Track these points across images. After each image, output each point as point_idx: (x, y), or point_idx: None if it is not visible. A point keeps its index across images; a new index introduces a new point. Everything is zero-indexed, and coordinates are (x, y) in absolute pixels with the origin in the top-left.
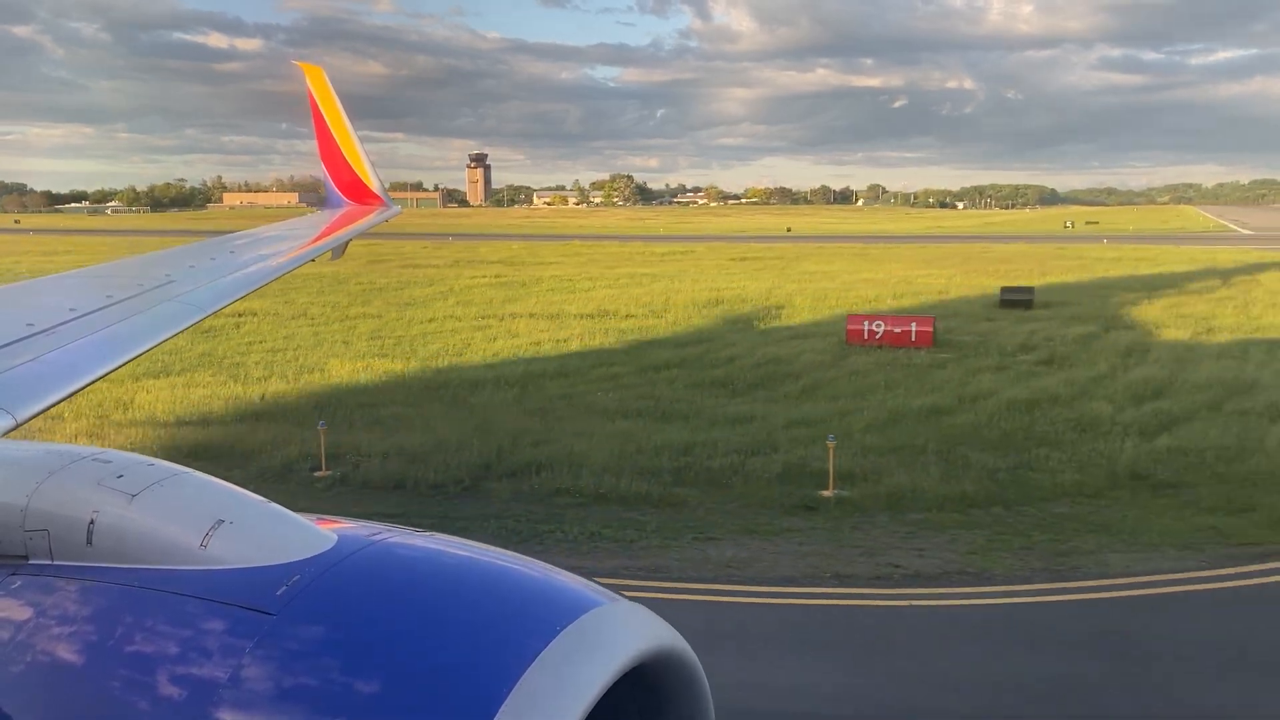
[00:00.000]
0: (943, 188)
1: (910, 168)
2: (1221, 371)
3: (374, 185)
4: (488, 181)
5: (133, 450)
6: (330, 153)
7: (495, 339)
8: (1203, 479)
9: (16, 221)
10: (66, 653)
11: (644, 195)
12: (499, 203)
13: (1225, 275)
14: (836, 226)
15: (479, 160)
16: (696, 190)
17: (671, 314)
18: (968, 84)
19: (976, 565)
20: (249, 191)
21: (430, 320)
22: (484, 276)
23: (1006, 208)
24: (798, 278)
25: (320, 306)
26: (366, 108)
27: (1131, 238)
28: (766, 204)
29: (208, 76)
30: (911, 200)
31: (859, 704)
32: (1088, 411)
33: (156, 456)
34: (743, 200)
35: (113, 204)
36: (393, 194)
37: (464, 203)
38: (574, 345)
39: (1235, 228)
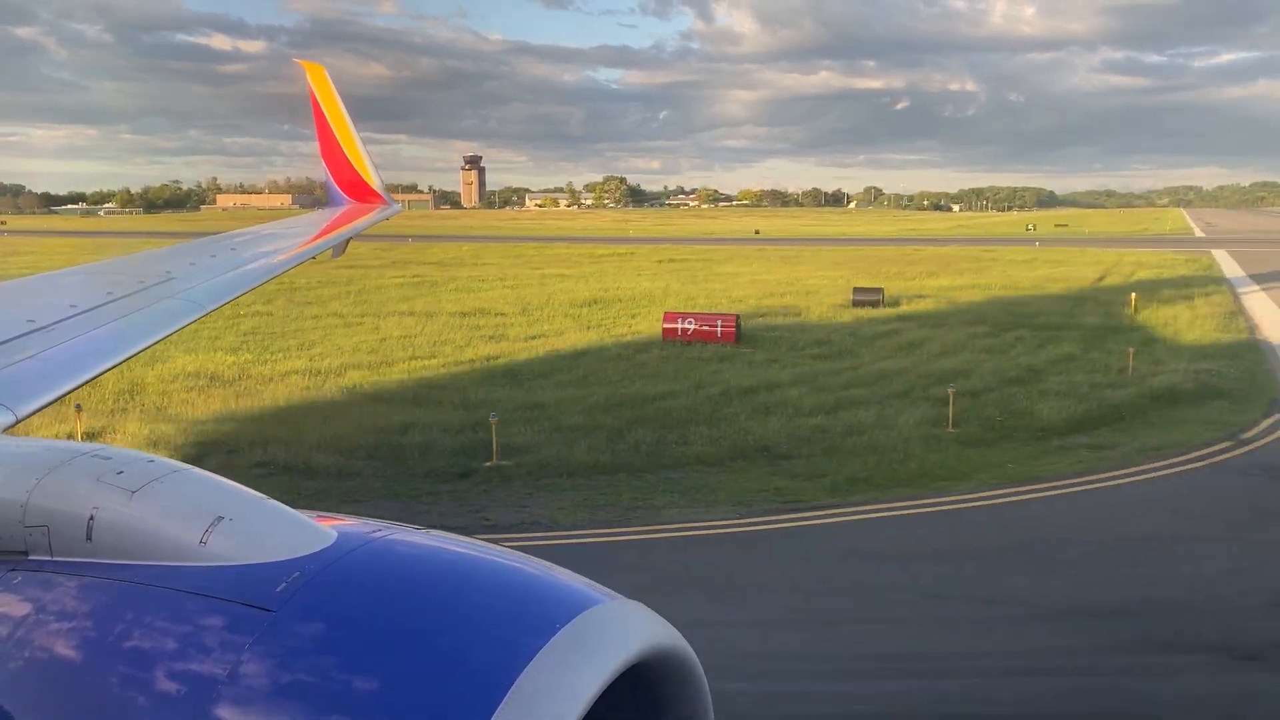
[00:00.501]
0: (942, 190)
1: (912, 170)
2: (959, 363)
3: (375, 183)
4: (482, 183)
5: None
6: (331, 151)
7: (354, 335)
8: (815, 451)
9: (2, 223)
10: (66, 649)
11: (636, 197)
12: (490, 204)
13: (1096, 280)
14: (809, 229)
15: (473, 162)
16: (688, 192)
17: (540, 313)
18: (970, 86)
19: (552, 517)
20: (243, 193)
21: (314, 318)
22: (402, 277)
23: (1003, 210)
24: (701, 279)
25: (233, 304)
26: (369, 109)
27: (1082, 240)
28: (758, 206)
29: (210, 78)
30: (903, 203)
31: None
32: (784, 397)
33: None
34: (734, 203)
35: (108, 205)
36: None
37: (457, 204)
38: (420, 340)
39: (1200, 231)
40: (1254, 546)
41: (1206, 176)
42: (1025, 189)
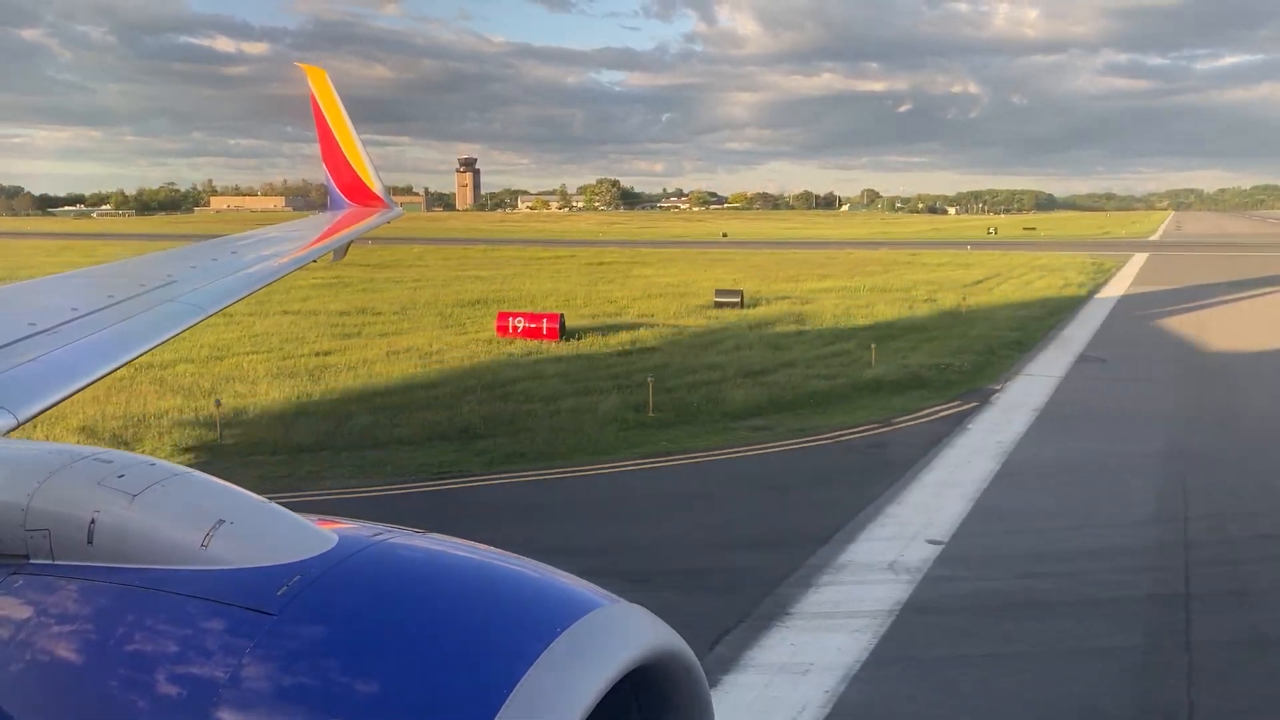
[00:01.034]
0: (943, 193)
1: (916, 172)
2: (723, 359)
3: (375, 187)
4: (476, 185)
5: None
6: (332, 154)
7: (221, 333)
8: (508, 431)
9: None
10: (67, 652)
11: (628, 200)
12: (482, 206)
13: (973, 282)
14: (781, 232)
15: (468, 165)
16: (680, 195)
17: (415, 313)
18: (973, 89)
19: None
20: (238, 195)
21: None
22: (321, 278)
23: (999, 213)
24: (605, 281)
25: None
26: (372, 111)
27: (1028, 244)
28: (749, 208)
29: (214, 80)
30: (896, 206)
31: None
32: (534, 388)
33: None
34: (725, 205)
35: (103, 208)
36: None
37: (451, 206)
38: (273, 339)
39: (1159, 235)
40: (745, 504)
41: (1210, 179)
42: (1024, 192)
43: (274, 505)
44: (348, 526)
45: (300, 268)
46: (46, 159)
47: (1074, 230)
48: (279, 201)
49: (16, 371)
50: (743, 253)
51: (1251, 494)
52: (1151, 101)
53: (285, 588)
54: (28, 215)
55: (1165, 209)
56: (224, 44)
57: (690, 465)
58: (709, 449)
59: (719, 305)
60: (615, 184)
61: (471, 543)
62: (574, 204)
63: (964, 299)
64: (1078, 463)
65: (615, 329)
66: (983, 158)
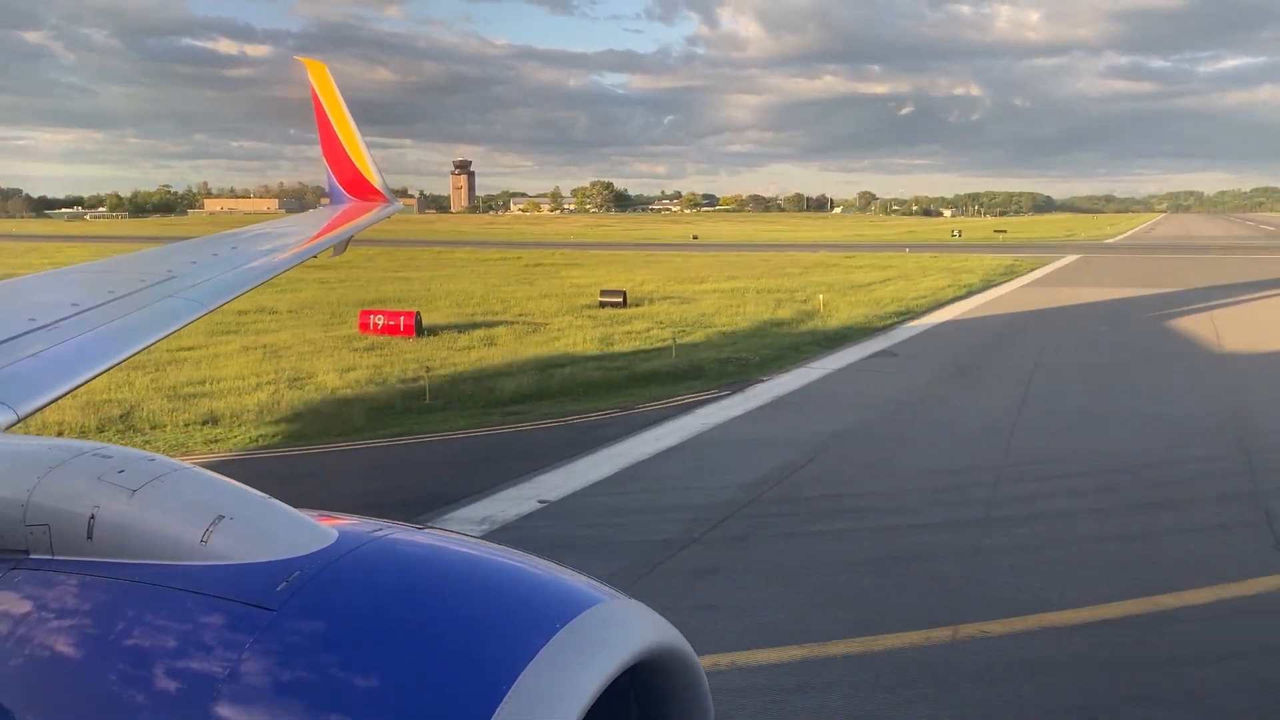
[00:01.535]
0: (944, 195)
1: (917, 175)
2: (566, 347)
3: (376, 181)
4: (471, 188)
5: None
6: (332, 148)
7: None
8: (254, 421)
9: None
10: (66, 647)
11: (620, 202)
12: (475, 209)
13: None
14: (753, 234)
15: (462, 167)
16: (671, 197)
17: (313, 310)
18: (975, 91)
19: None
20: (232, 197)
21: None
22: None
23: (998, 215)
24: (527, 282)
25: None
26: (375, 113)
27: (985, 246)
28: (741, 210)
29: (217, 82)
30: (892, 209)
31: None
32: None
33: None
34: (716, 207)
35: (99, 209)
36: None
37: (444, 208)
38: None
39: (1121, 238)
40: (422, 475)
41: (1211, 181)
42: (1021, 194)
43: (274, 501)
44: (347, 522)
45: (300, 263)
46: (50, 161)
47: (1041, 233)
48: (273, 204)
49: (16, 367)
50: (689, 255)
51: (845, 469)
52: (1153, 104)
53: (285, 583)
54: (21, 217)
55: (1163, 211)
56: (226, 46)
57: (415, 444)
58: (447, 431)
59: (603, 305)
60: (608, 186)
61: (471, 538)
62: (566, 206)
63: (822, 302)
64: (750, 439)
65: (475, 327)
66: (985, 160)
